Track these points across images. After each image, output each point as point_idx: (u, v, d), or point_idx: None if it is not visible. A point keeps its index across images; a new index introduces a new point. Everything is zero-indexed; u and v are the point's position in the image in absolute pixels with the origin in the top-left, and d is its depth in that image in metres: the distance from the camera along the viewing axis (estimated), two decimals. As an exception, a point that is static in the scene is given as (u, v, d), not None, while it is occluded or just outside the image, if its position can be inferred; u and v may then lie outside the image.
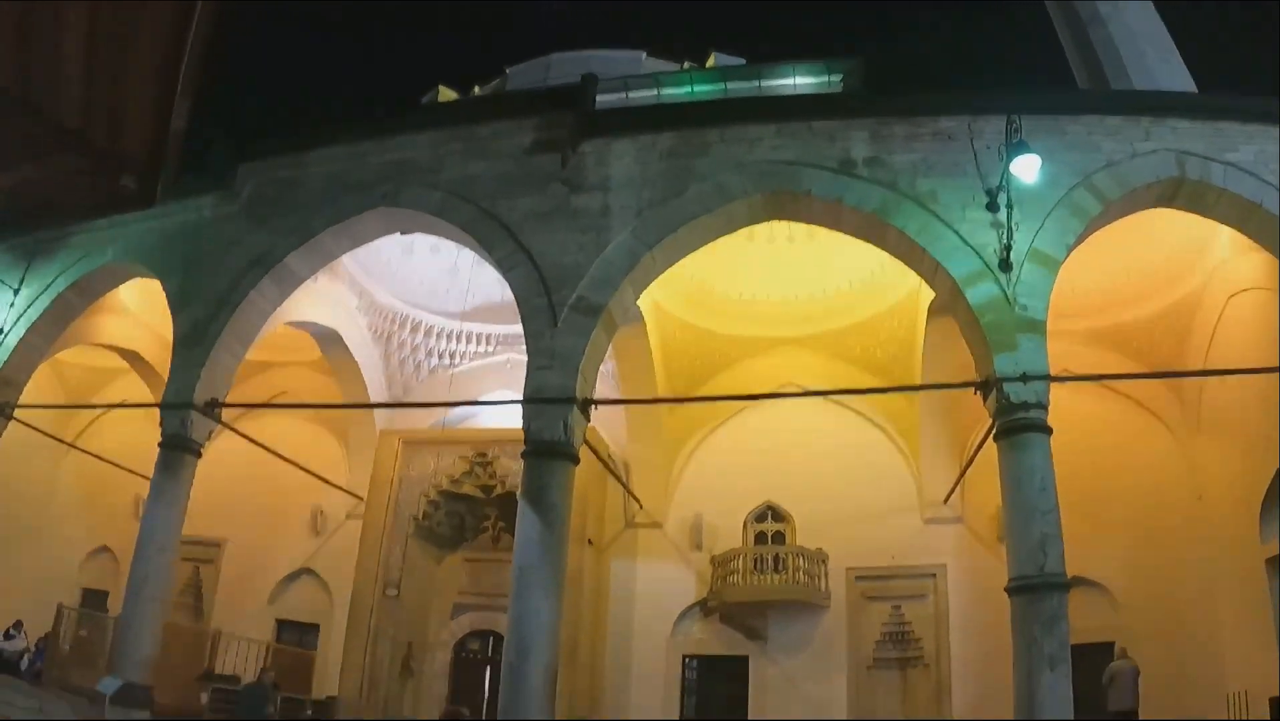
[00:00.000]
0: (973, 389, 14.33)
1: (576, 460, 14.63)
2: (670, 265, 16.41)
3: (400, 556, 22.65)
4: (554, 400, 14.50)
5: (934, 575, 22.03)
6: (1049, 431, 13.41)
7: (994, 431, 13.81)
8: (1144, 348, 20.09)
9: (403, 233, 18.95)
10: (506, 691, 13.38)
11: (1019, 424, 13.40)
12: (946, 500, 21.97)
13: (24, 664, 19.82)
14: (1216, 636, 20.17)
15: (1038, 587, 12.55)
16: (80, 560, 27.12)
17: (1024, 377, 13.42)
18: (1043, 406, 13.43)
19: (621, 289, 15.43)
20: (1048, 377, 13.60)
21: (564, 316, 15.06)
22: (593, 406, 15.10)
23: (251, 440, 21.30)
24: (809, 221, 17.08)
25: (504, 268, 16.03)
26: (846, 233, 16.49)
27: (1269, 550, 18.78)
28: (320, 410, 25.57)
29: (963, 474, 20.75)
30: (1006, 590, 12.93)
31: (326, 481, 23.82)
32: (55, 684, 18.05)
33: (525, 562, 13.84)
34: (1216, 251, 19.42)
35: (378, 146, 18.31)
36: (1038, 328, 13.97)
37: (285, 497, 25.28)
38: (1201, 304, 20.33)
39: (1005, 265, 14.11)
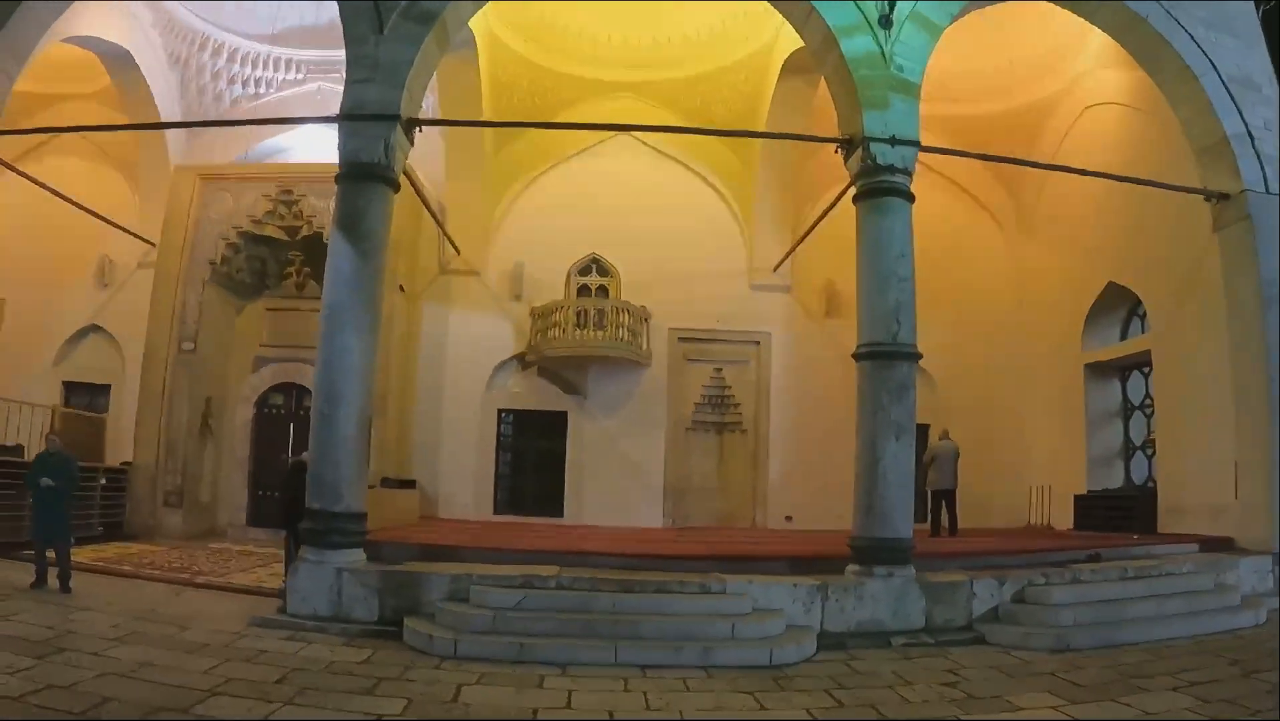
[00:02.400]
0: (835, 146, 13.50)
1: (397, 186, 12.97)
2: None
3: (197, 307, 20.95)
4: (375, 116, 12.73)
5: (758, 342, 21.98)
6: (912, 199, 12.82)
7: (855, 193, 13.05)
8: (990, 144, 19.56)
9: None
10: (316, 443, 11.99)
11: (883, 186, 12.67)
12: (777, 268, 21.65)
13: None
14: (1026, 432, 21.44)
15: (888, 355, 12.19)
16: None
17: (893, 140, 12.68)
18: (908, 172, 12.78)
19: None
20: (917, 144, 12.91)
21: (392, 23, 13.07)
22: (418, 129, 13.54)
23: (29, 177, 18.75)
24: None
25: (320, -35, 14.00)
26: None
27: (1088, 357, 19.73)
28: (106, 146, 23.36)
29: (799, 242, 20.35)
30: (855, 355, 12.55)
31: (114, 225, 21.33)
32: None
33: (336, 299, 12.27)
34: (1081, 61, 19.43)
35: None
36: (912, 90, 13.21)
37: (68, 248, 23.02)
38: (1055, 111, 20.49)
39: (886, 22, 13.22)
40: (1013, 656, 9.85)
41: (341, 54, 20.54)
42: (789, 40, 18.59)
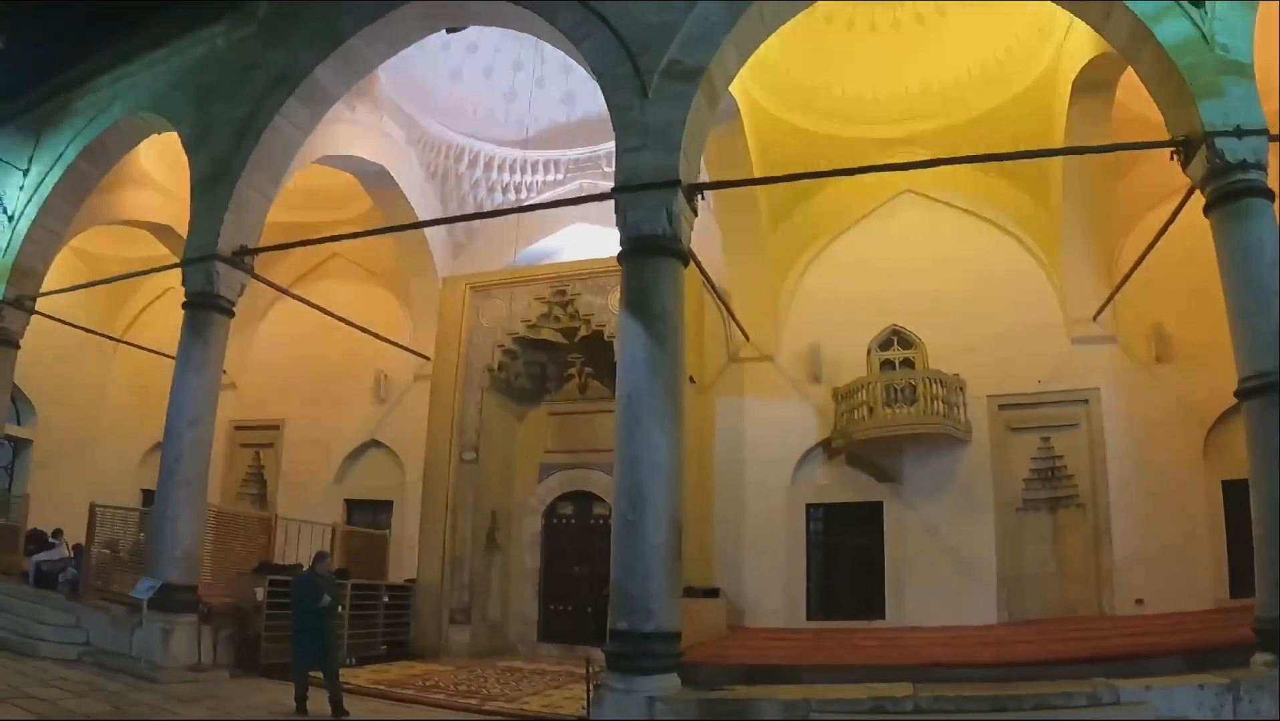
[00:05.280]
0: (1171, 150, 11.56)
1: (686, 259, 11.95)
2: (781, 23, 13.46)
3: (476, 416, 20.55)
4: (653, 185, 11.72)
5: (1086, 400, 19.20)
6: (1273, 196, 10.78)
7: (1206, 203, 11.19)
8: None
9: (449, 30, 16.35)
10: (620, 553, 10.73)
11: (1239, 187, 10.73)
12: (1096, 316, 19.03)
13: (68, 574, 17.71)
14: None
15: (1280, 387, 10.01)
16: (137, 460, 26.01)
17: (1239, 131, 10.69)
18: (1262, 167, 10.75)
19: (723, 48, 12.50)
20: (1267, 133, 10.84)
21: (655, 85, 12.25)
22: (700, 196, 12.36)
23: (302, 299, 19.68)
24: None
25: (575, 38, 13.19)
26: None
27: None
28: (374, 267, 24.16)
29: (1122, 282, 17.79)
30: (1237, 393, 10.53)
31: (389, 341, 21.83)
32: (94, 594, 16.07)
33: (632, 388, 11.11)
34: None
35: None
36: (1245, 72, 11.18)
37: (344, 367, 23.74)
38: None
39: None
40: None
41: (600, 148, 20.34)
42: (1073, 58, 16.85)
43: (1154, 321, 18.93)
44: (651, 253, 11.66)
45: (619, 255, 11.88)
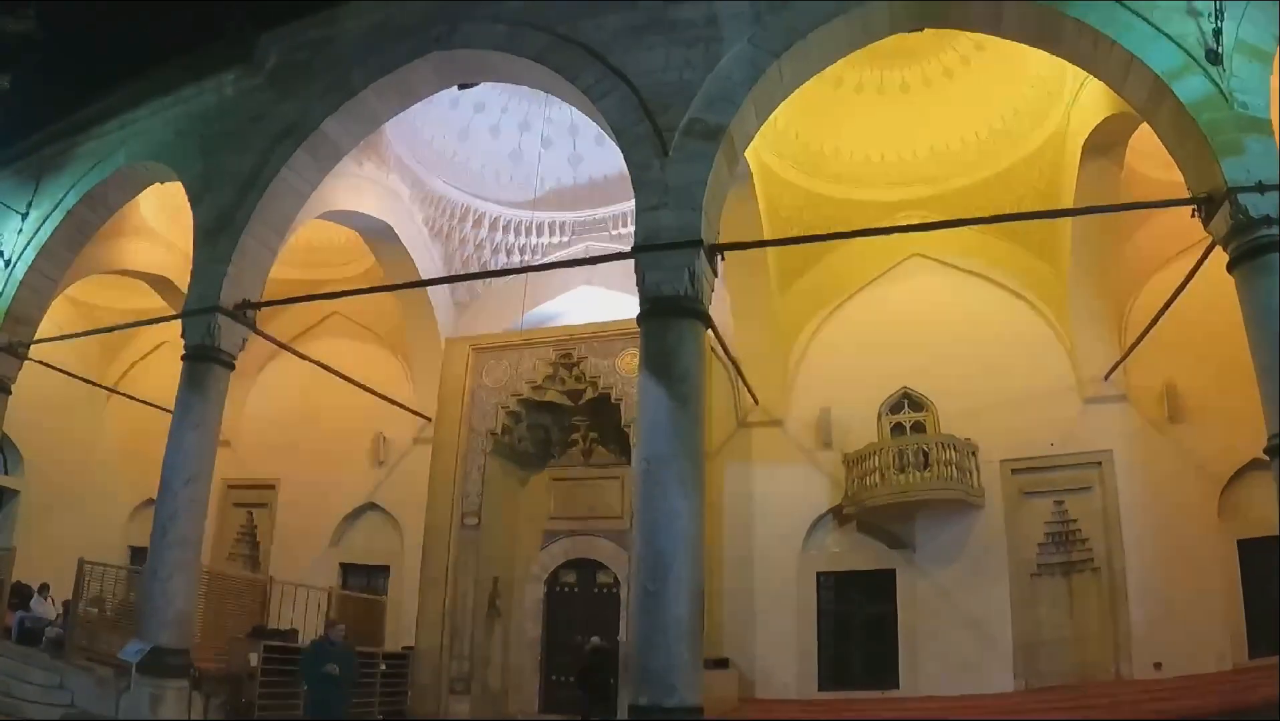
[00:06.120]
0: (1192, 207, 11.50)
1: (708, 320, 11.82)
2: (799, 84, 13.45)
3: (478, 480, 20.10)
4: (673, 245, 11.61)
5: (1099, 463, 18.90)
6: None
7: (1229, 260, 11.06)
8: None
9: (460, 86, 16.41)
10: (642, 625, 10.43)
11: (1263, 243, 10.61)
12: (1108, 376, 18.90)
13: (52, 632, 17.09)
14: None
15: (1314, 446, 9.76)
16: (127, 515, 25.57)
17: (1260, 187, 10.63)
18: None
19: (744, 108, 12.50)
20: None
21: (675, 143, 12.22)
22: (720, 256, 12.22)
23: (302, 355, 19.25)
24: (963, 27, 14.04)
25: (594, 96, 13.17)
26: (1009, 38, 13.49)
27: None
28: (375, 326, 24.03)
29: (1135, 344, 17.72)
30: (1267, 450, 10.25)
31: (389, 400, 21.44)
32: (79, 653, 15.46)
33: (653, 452, 10.88)
34: None
35: (425, -15, 15.56)
36: (1265, 128, 11.14)
37: (342, 427, 23.33)
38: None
39: (1214, 57, 11.38)
40: None
41: (607, 210, 20.17)
42: (1082, 120, 16.87)
43: (1166, 380, 18.80)
44: (672, 314, 11.54)
45: (638, 316, 11.74)
